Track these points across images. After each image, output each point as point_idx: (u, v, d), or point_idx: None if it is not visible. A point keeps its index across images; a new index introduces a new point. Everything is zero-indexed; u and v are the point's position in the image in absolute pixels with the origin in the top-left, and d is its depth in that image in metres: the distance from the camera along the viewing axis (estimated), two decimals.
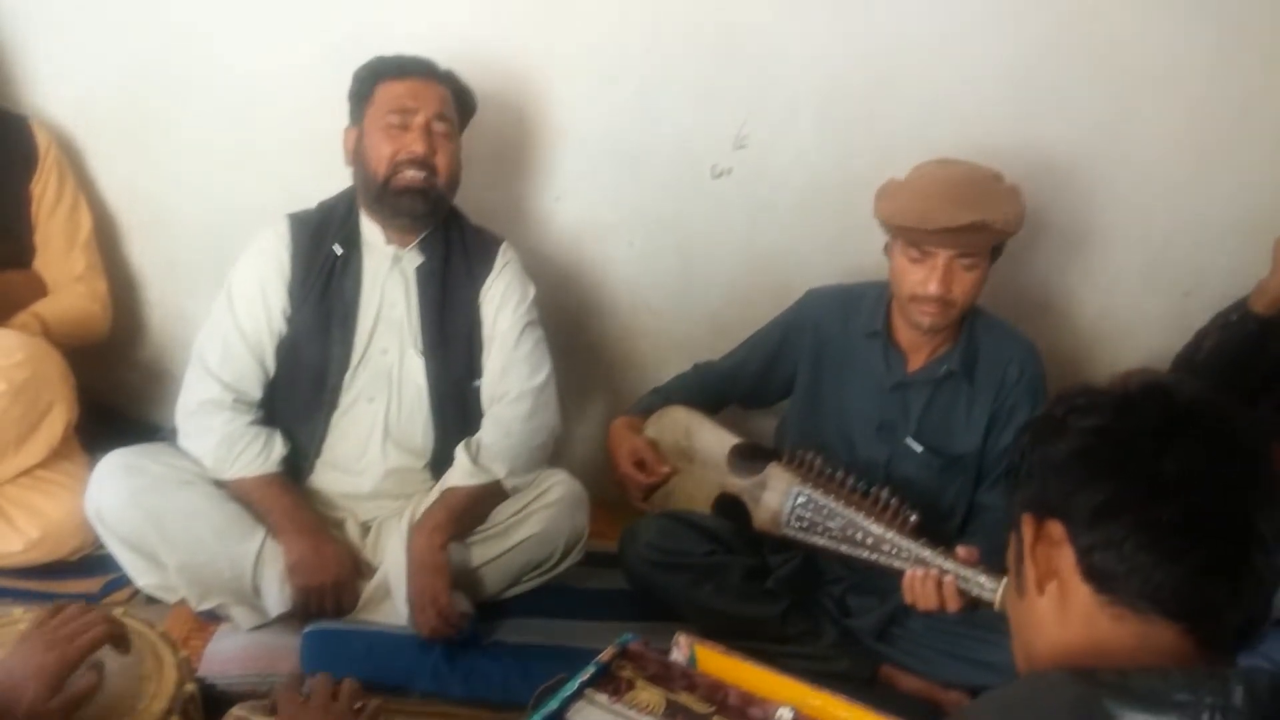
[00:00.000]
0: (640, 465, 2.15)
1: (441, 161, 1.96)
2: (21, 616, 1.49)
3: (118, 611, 1.54)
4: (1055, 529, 0.87)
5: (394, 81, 1.95)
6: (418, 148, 1.93)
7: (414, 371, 2.03)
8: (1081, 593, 0.85)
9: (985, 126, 2.33)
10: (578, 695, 1.51)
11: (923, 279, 1.92)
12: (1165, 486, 0.81)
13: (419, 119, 1.94)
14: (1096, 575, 0.84)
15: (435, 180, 1.96)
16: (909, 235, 1.91)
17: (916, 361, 2.06)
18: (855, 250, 2.30)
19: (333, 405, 2.01)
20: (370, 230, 2.02)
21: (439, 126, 1.96)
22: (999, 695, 0.86)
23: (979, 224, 1.84)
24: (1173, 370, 2.25)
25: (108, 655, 1.37)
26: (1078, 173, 2.44)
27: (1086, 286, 2.57)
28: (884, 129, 2.34)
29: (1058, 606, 0.87)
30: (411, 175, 1.94)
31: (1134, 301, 2.58)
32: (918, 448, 2.04)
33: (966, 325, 2.05)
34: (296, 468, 2.02)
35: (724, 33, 2.28)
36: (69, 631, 1.25)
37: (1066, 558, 0.86)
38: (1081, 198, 2.47)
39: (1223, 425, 0.84)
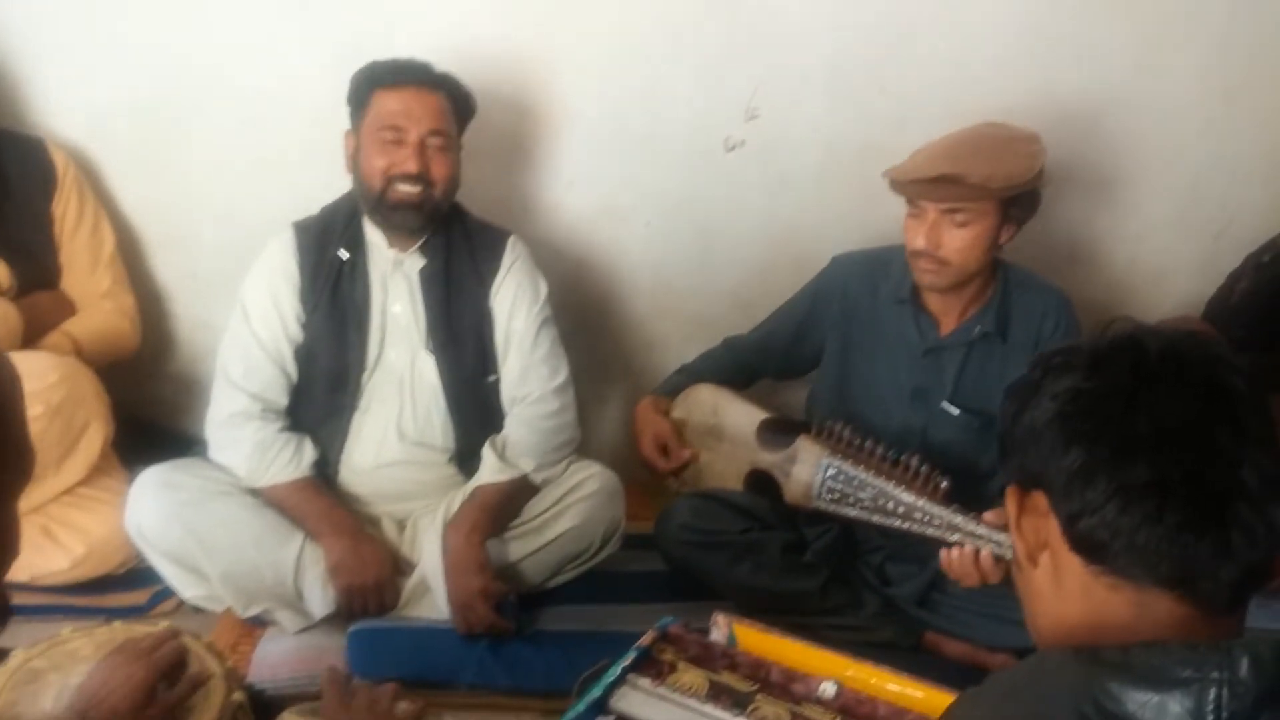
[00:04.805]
0: (663, 450, 2.15)
1: (438, 173, 1.95)
2: (70, 635, 1.51)
3: (163, 623, 1.58)
4: (1040, 500, 0.84)
5: (389, 91, 1.93)
6: (410, 166, 1.92)
7: (427, 371, 2.04)
8: (1073, 564, 0.81)
9: (1003, 82, 2.30)
10: (620, 681, 1.52)
11: (913, 234, 1.92)
12: (1136, 445, 0.77)
13: (412, 136, 1.92)
14: (1083, 545, 0.80)
15: (431, 193, 1.96)
16: (893, 188, 1.93)
17: (948, 325, 2.04)
18: (874, 218, 2.28)
19: (353, 408, 2.03)
20: (373, 234, 2.03)
21: (434, 141, 1.95)
22: (1003, 678, 0.83)
23: (948, 176, 1.83)
24: (1206, 316, 2.21)
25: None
26: (1102, 121, 2.40)
27: (1115, 235, 2.53)
28: (899, 92, 2.31)
29: (1052, 579, 0.84)
30: (405, 191, 1.93)
31: (1164, 247, 2.54)
32: (954, 411, 2.03)
33: (998, 283, 2.03)
34: (323, 471, 2.04)
35: (728, 2, 2.25)
36: (150, 644, 1.35)
37: (1053, 529, 0.83)
38: (1107, 146, 2.43)
39: (1199, 374, 0.80)
